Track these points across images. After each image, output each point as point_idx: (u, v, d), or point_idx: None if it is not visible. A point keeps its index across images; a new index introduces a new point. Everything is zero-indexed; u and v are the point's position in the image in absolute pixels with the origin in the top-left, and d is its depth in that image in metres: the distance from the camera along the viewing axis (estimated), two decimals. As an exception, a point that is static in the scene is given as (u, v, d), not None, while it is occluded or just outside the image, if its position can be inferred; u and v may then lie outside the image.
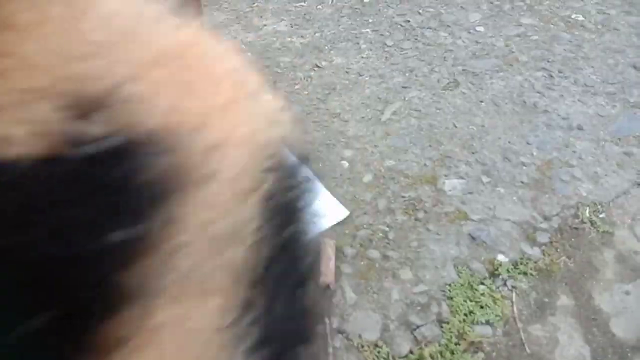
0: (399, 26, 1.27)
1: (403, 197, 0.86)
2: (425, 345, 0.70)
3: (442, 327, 0.71)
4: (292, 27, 1.33)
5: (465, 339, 0.70)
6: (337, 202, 0.85)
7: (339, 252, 0.78)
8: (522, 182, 0.87)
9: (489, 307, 0.73)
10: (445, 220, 0.82)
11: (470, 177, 0.88)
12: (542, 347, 0.69)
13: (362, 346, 0.68)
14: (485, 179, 0.88)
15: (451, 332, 0.71)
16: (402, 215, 0.83)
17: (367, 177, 0.90)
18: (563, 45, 1.14)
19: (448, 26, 1.24)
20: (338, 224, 0.82)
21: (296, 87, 1.12)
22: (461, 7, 1.32)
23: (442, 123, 0.98)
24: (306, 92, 1.10)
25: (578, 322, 0.71)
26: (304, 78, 1.15)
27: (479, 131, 0.96)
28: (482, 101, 1.02)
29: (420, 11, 1.32)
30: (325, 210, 0.84)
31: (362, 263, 0.77)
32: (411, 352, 0.69)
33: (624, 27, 1.17)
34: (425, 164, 0.91)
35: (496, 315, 0.72)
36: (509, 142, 0.93)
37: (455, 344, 0.69)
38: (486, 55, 1.13)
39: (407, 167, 0.91)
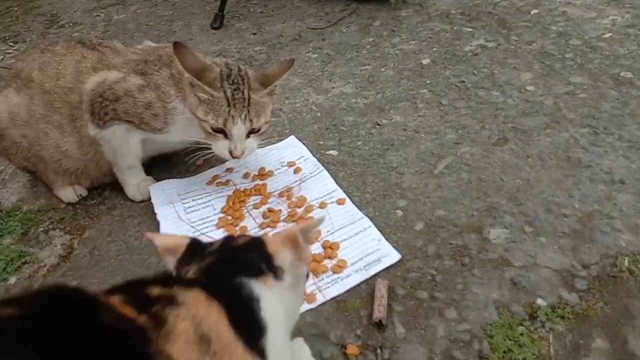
0: (454, 86, 1.40)
1: (451, 244, 0.96)
2: (467, 378, 0.79)
3: (482, 362, 0.80)
4: (357, 89, 1.49)
5: (504, 375, 0.78)
6: (391, 247, 0.96)
7: (392, 291, 0.89)
8: (563, 233, 0.95)
9: (526, 346, 0.81)
10: (489, 266, 0.91)
11: (514, 227, 0.97)
12: (576, 385, 0.76)
13: (409, 375, 0.78)
14: (528, 229, 0.96)
15: (491, 367, 0.79)
16: (450, 261, 0.93)
17: (419, 225, 1.01)
18: (610, 102, 1.21)
19: (500, 86, 1.35)
20: (391, 266, 0.93)
21: (358, 143, 1.26)
22: (514, 67, 1.42)
23: (490, 177, 1.08)
24: (367, 148, 1.24)
25: (612, 364, 0.77)
26: (366, 135, 1.29)
27: (524, 184, 1.05)
28: (528, 156, 1.11)
29: (475, 72, 1.44)
30: (381, 254, 0.96)
31: (411, 302, 0.88)
32: (453, 384, 0.78)
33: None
34: (472, 215, 1.01)
35: (533, 354, 0.80)
36: (552, 195, 1.01)
37: (495, 379, 0.78)
38: (535, 113, 1.23)
39: (456, 217, 1.01)
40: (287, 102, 1.51)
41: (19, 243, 1.17)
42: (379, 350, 0.82)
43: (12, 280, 1.09)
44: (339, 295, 0.91)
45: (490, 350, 0.81)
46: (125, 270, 1.04)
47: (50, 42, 1.18)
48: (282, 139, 1.32)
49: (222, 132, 1.02)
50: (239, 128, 1.00)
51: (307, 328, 0.86)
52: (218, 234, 1.07)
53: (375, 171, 1.16)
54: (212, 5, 2.11)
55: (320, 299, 0.91)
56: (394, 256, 0.95)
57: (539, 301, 0.86)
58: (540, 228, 0.96)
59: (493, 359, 0.80)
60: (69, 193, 1.25)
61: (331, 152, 1.26)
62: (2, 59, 2.15)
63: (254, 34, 1.94)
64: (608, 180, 1.03)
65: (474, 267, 0.92)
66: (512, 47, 1.52)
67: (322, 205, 1.09)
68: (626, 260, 0.89)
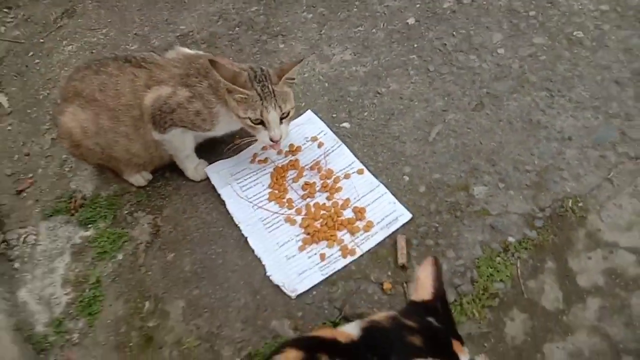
0: (437, 50, 1.67)
1: (446, 201, 1.34)
2: (464, 296, 1.21)
3: (473, 285, 1.21)
4: (355, 55, 1.75)
5: (487, 291, 1.21)
6: (404, 207, 1.34)
7: (408, 242, 1.28)
8: (526, 185, 1.33)
9: (502, 271, 1.22)
10: (474, 216, 1.30)
11: (490, 184, 1.34)
12: (534, 294, 1.19)
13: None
14: (501, 185, 1.34)
15: (479, 287, 1.21)
16: (447, 215, 1.32)
17: (422, 188, 1.38)
18: (564, 64, 1.52)
19: (476, 49, 1.64)
20: (406, 223, 1.31)
21: (365, 114, 1.58)
22: (487, 27, 1.69)
23: (471, 141, 1.43)
24: (373, 119, 1.56)
25: (557, 279, 1.20)
26: (370, 105, 1.60)
27: (497, 147, 1.40)
28: (500, 120, 1.45)
29: (454, 33, 1.71)
30: (397, 214, 1.34)
31: (422, 248, 1.28)
32: (455, 300, 1.20)
33: (613, 43, 1.53)
34: (460, 176, 1.38)
35: (507, 275, 1.21)
36: (518, 154, 1.38)
37: (482, 294, 1.20)
38: (505, 78, 1.54)
39: (448, 179, 1.38)
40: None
41: (113, 226, 1.51)
42: (405, 284, 1.24)
43: (120, 256, 1.45)
44: (371, 249, 1.30)
45: (478, 276, 1.22)
46: (209, 241, 1.41)
47: (101, 63, 1.41)
48: (300, 114, 1.62)
49: (261, 123, 1.32)
50: (273, 115, 1.30)
51: (354, 273, 1.27)
52: (271, 206, 1.42)
53: (382, 141, 1.50)
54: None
55: (358, 252, 1.30)
56: (407, 215, 1.33)
57: (510, 239, 1.26)
58: (510, 183, 1.34)
59: (480, 282, 1.21)
60: (138, 178, 1.56)
61: (344, 124, 1.57)
62: (4, 30, 2.29)
63: (249, -11, 2.10)
64: (560, 138, 1.39)
65: (464, 218, 1.30)
66: (485, 2, 1.77)
67: (347, 176, 1.44)
68: (570, 202, 1.29)
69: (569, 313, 1.14)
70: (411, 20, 1.79)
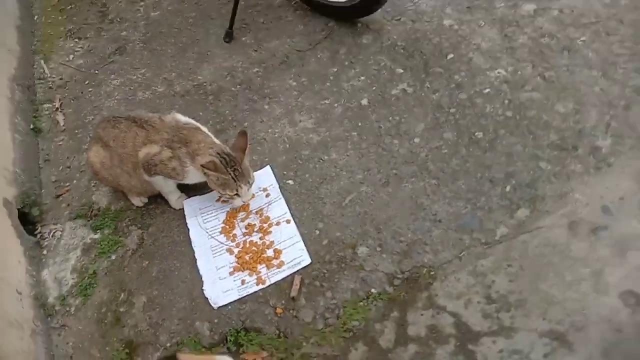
0: (374, 131, 2.15)
1: (338, 255, 1.84)
2: (329, 326, 1.70)
3: (337, 319, 1.71)
4: (315, 124, 2.26)
5: (345, 325, 1.70)
6: (308, 255, 1.85)
7: (302, 281, 1.80)
8: (396, 252, 1.80)
9: (360, 313, 1.71)
10: (353, 269, 1.79)
11: (371, 247, 1.82)
12: (376, 333, 1.67)
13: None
14: (378, 249, 1.82)
15: (340, 322, 1.71)
16: (335, 265, 1.82)
17: (325, 242, 1.88)
18: (457, 159, 1.96)
19: (400, 135, 2.10)
20: (306, 266, 1.82)
21: (306, 175, 2.09)
22: (415, 117, 2.15)
23: (370, 211, 1.91)
24: (310, 180, 2.07)
25: (395, 326, 1.67)
26: (312, 168, 2.11)
27: (386, 219, 1.88)
28: (396, 198, 1.92)
29: (390, 118, 2.18)
30: (302, 259, 1.85)
31: (311, 287, 1.78)
32: (321, 328, 1.70)
33: (501, 147, 1.95)
34: (353, 237, 1.87)
35: (362, 317, 1.70)
36: (399, 227, 1.84)
37: (341, 327, 1.69)
38: (411, 163, 2.00)
39: (345, 238, 1.87)
40: (269, 130, 2.31)
41: (113, 234, 2.12)
42: (292, 311, 1.75)
43: (113, 257, 2.06)
44: (277, 281, 1.82)
45: (343, 313, 1.72)
46: (173, 256, 1.98)
47: (117, 120, 2.00)
48: (262, 167, 2.15)
49: (236, 194, 1.88)
50: (245, 190, 1.86)
51: (259, 297, 1.80)
52: (221, 237, 1.98)
53: (310, 200, 2.01)
54: (226, 7, 2.77)
55: (268, 282, 1.83)
56: (307, 261, 1.84)
57: (372, 290, 1.74)
58: (385, 248, 1.81)
59: (343, 318, 1.71)
60: (137, 201, 2.17)
61: (289, 181, 2.09)
62: (72, 57, 2.96)
63: (255, 50, 2.65)
64: (432, 219, 1.84)
65: (346, 270, 1.80)
66: (423, 94, 2.22)
67: (278, 223, 1.97)
68: (424, 270, 1.75)
69: (394, 352, 1.62)
70: (364, 101, 2.27)
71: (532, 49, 2.22)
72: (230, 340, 1.73)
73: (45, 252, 2.12)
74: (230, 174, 1.81)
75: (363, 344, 1.65)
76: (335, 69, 2.44)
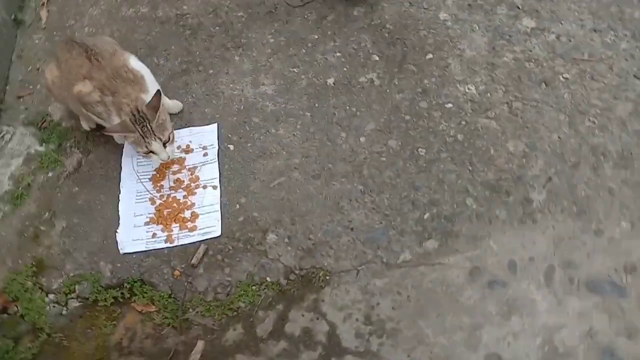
0: (325, 116, 2.01)
1: (248, 235, 1.78)
2: (216, 301, 1.69)
3: (227, 296, 1.69)
4: (275, 92, 2.11)
5: (232, 305, 1.69)
6: (220, 226, 1.80)
7: (207, 251, 1.76)
8: (302, 248, 1.74)
9: (250, 297, 1.69)
10: (257, 253, 1.74)
11: (280, 236, 1.75)
12: (258, 321, 1.66)
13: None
14: (286, 240, 1.75)
15: (229, 300, 1.69)
16: (241, 244, 1.77)
17: (241, 218, 1.82)
18: (392, 171, 1.84)
19: (350, 129, 1.96)
20: (215, 237, 1.78)
21: (248, 145, 1.99)
22: (372, 113, 2.00)
23: (293, 200, 1.82)
24: (250, 151, 1.97)
25: (277, 319, 1.65)
26: (256, 139, 2.00)
27: (305, 212, 1.79)
28: (321, 194, 1.83)
29: (348, 107, 2.03)
30: (213, 229, 1.80)
31: (212, 259, 1.75)
32: (210, 300, 1.70)
33: (435, 170, 1.82)
34: (267, 221, 1.80)
35: (250, 301, 1.68)
36: (312, 224, 1.76)
37: (227, 305, 1.68)
38: (349, 162, 1.88)
39: (260, 219, 1.80)
40: (231, 85, 2.17)
41: (56, 151, 2.07)
42: (189, 277, 1.74)
43: (50, 174, 2.03)
44: (184, 244, 1.79)
45: (234, 293, 1.70)
46: (101, 190, 1.94)
47: (72, 45, 1.86)
48: (209, 123, 2.05)
49: (150, 152, 1.79)
50: (157, 146, 1.76)
51: (163, 255, 1.77)
52: (148, 184, 1.92)
53: (242, 172, 1.92)
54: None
55: (176, 242, 1.80)
56: (218, 233, 1.79)
57: (268, 278, 1.70)
58: (293, 241, 1.75)
59: (232, 297, 1.69)
60: (85, 124, 2.09)
61: (230, 146, 1.99)
62: None
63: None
64: (346, 226, 1.75)
65: (250, 251, 1.75)
66: (387, 91, 2.04)
67: (204, 187, 1.90)
68: (321, 273, 1.70)
69: (265, 343, 1.61)
70: (330, 81, 2.10)
71: (512, 71, 2.00)
72: (126, 287, 1.73)
73: (-11, 152, 2.09)
74: (138, 131, 1.71)
75: (241, 327, 1.65)
76: (316, 37, 2.24)
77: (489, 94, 1.95)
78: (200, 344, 1.63)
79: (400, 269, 1.66)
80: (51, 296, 1.75)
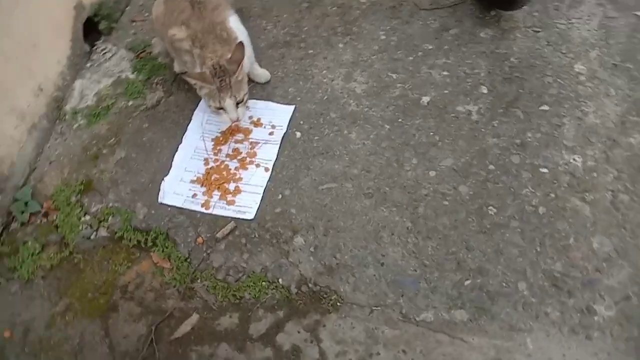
0: (403, 136, 1.83)
1: (277, 230, 1.70)
2: (231, 284, 1.64)
3: (236, 282, 1.64)
4: (365, 94, 1.96)
5: (238, 293, 1.63)
6: (255, 211, 1.73)
7: (234, 230, 1.71)
8: (322, 264, 1.62)
9: (261, 291, 1.62)
10: (277, 250, 1.66)
11: (308, 242, 1.65)
12: (258, 323, 1.59)
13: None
14: (312, 249, 1.65)
15: (236, 286, 1.63)
16: (268, 236, 1.69)
17: (277, 210, 1.74)
18: (449, 220, 1.64)
19: (423, 158, 1.78)
20: (246, 220, 1.72)
21: (315, 138, 1.88)
22: (450, 149, 1.79)
23: (337, 209, 1.70)
24: (314, 145, 1.86)
25: (275, 323, 1.57)
26: (326, 135, 1.88)
27: (342, 228, 1.67)
28: (365, 215, 1.68)
29: (430, 134, 1.83)
30: (249, 210, 1.74)
31: (235, 240, 1.70)
32: (228, 279, 1.65)
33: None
34: (301, 222, 1.69)
35: (263, 292, 1.62)
36: (344, 240, 1.64)
37: (234, 292, 1.63)
38: (407, 193, 1.71)
39: (294, 219, 1.70)
40: (324, 72, 2.07)
41: (144, 83, 2.12)
42: (209, 249, 1.70)
43: (129, 103, 2.08)
44: (217, 215, 1.75)
45: (243, 282, 1.63)
46: (168, 132, 1.95)
47: None
48: (287, 104, 1.97)
49: (222, 108, 1.74)
50: (229, 104, 1.72)
51: (194, 219, 1.75)
52: (209, 144, 1.90)
53: (298, 163, 1.82)
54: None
55: (210, 211, 1.76)
56: (250, 216, 1.73)
57: (280, 280, 1.62)
58: (319, 253, 1.63)
59: (241, 284, 1.63)
60: (176, 65, 2.10)
61: (298, 133, 1.90)
62: None
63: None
64: (378, 259, 1.60)
65: (272, 247, 1.67)
66: (482, 130, 1.81)
67: (257, 165, 1.83)
68: (334, 297, 1.58)
69: (253, 344, 1.54)
70: (425, 100, 1.92)
71: (634, 158, 1.68)
72: (151, 236, 1.74)
73: (88, 65, 2.19)
74: (215, 84, 1.65)
75: (238, 317, 1.59)
76: (430, 47, 2.05)
77: (595, 174, 1.65)
78: (194, 317, 1.59)
79: (416, 327, 1.48)
80: (87, 217, 1.80)
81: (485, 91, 1.90)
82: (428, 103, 1.90)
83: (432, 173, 1.73)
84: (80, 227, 1.78)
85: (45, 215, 1.81)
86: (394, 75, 1.99)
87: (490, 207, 1.64)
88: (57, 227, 1.79)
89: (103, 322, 1.61)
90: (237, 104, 1.72)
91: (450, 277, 1.54)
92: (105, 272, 1.70)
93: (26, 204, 1.81)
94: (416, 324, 1.49)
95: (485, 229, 1.60)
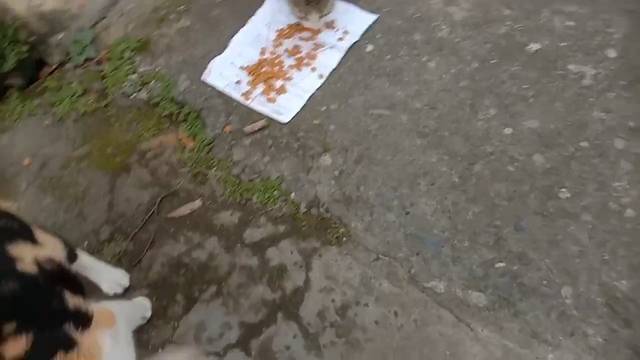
0: (492, 80, 1.51)
1: (310, 137, 1.51)
2: (250, 186, 1.50)
3: (254, 186, 1.49)
4: (462, 20, 1.65)
5: (247, 193, 1.48)
6: (293, 116, 1.54)
7: (263, 128, 1.54)
8: (346, 193, 1.41)
9: (269, 196, 1.46)
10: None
11: (340, 164, 1.45)
12: (265, 245, 1.44)
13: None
14: (337, 173, 1.44)
15: (251, 189, 1.49)
16: (296, 144, 1.50)
17: (316, 121, 1.53)
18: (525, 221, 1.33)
19: (505, 112, 1.45)
20: (279, 123, 1.54)
21: (387, 56, 1.62)
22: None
23: (378, 142, 1.47)
24: (384, 64, 1.60)
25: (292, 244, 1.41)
26: (401, 56, 1.61)
27: (378, 161, 1.43)
28: (411, 162, 1.43)
29: (523, 87, 1.49)
30: (287, 112, 1.55)
31: (261, 140, 1.53)
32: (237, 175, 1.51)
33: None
34: (336, 143, 1.48)
35: (277, 197, 1.46)
36: (386, 185, 1.41)
37: (243, 193, 1.48)
38: (468, 144, 1.41)
39: (334, 139, 1.50)
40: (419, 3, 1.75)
41: None
42: (233, 140, 1.56)
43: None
44: (253, 110, 1.59)
45: (256, 184, 1.48)
46: (240, 10, 1.79)
47: None
48: (371, 12, 1.70)
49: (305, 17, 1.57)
50: (314, 16, 1.56)
51: (230, 106, 1.60)
52: (273, 33, 1.71)
53: (358, 78, 1.58)
54: None
55: (249, 103, 1.60)
56: (285, 120, 1.54)
57: (292, 195, 1.44)
58: (343, 178, 1.42)
59: (253, 187, 1.48)
60: None
61: (370, 46, 1.64)
62: None
63: None
64: (404, 207, 1.35)
65: (297, 157, 1.48)
66: (591, 99, 1.43)
67: (313, 69, 1.62)
68: (342, 230, 1.37)
69: (244, 247, 1.40)
70: (534, 47, 1.56)
71: None
72: (184, 111, 1.64)
73: None
74: None
75: (237, 218, 1.45)
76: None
77: None
78: (197, 202, 1.49)
79: (420, 293, 1.24)
80: (134, 76, 1.73)
81: (613, 55, 1.48)
82: (536, 51, 1.53)
83: (508, 130, 1.40)
84: (125, 83, 1.72)
85: (99, 62, 1.77)
86: (507, 11, 1.62)
87: (564, 190, 1.29)
88: (103, 77, 1.74)
89: (112, 179, 1.56)
90: (321, 16, 1.52)
91: (482, 252, 1.26)
92: (131, 134, 1.63)
93: (85, 47, 1.77)
94: (422, 289, 1.25)
95: (548, 212, 1.27)
